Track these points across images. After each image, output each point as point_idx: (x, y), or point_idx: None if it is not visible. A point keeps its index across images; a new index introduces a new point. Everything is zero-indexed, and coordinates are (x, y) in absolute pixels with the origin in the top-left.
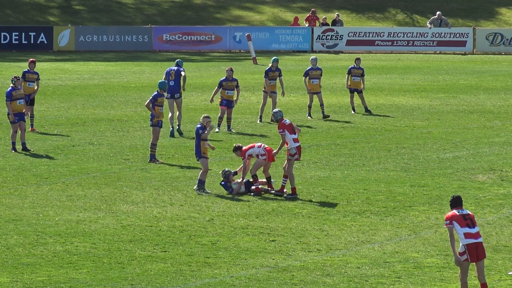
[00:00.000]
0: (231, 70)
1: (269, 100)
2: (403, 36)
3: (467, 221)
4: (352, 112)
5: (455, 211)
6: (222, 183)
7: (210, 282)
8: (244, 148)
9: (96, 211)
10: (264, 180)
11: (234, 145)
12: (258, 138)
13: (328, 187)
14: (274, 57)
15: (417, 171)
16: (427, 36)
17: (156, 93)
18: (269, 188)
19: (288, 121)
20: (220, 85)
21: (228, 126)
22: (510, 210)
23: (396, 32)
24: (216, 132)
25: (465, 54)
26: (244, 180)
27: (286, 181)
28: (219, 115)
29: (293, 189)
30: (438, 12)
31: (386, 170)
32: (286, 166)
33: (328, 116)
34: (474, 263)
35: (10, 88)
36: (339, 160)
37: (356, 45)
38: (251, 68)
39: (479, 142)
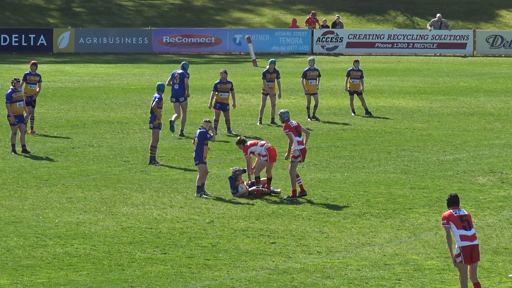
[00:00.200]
0: (225, 72)
1: (268, 102)
2: (403, 38)
3: (464, 223)
4: (352, 114)
5: (452, 211)
6: (230, 178)
7: (210, 284)
8: (247, 143)
9: (96, 213)
10: (265, 179)
11: (239, 137)
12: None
13: (328, 189)
14: (271, 59)
15: (417, 173)
16: (427, 38)
17: (159, 95)
18: (267, 190)
19: (294, 123)
20: (215, 88)
21: (228, 128)
22: (511, 212)
23: (396, 34)
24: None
25: (465, 56)
26: (249, 182)
27: (300, 180)
28: (214, 118)
29: (294, 191)
30: (438, 14)
31: (386, 172)
32: (290, 168)
33: (318, 119)
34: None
35: (10, 90)
36: (339, 162)
37: (356, 47)
38: (251, 70)
39: (479, 144)
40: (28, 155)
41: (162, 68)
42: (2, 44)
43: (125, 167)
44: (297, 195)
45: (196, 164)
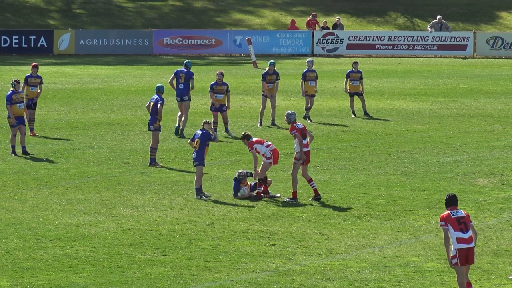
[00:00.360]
0: (221, 74)
1: (269, 103)
2: (404, 40)
3: (461, 225)
4: (353, 116)
5: (450, 212)
6: (235, 180)
7: (210, 286)
8: (252, 140)
9: (96, 215)
10: (270, 180)
11: (244, 132)
12: None
13: (328, 191)
14: (271, 61)
15: (418, 175)
16: (427, 40)
17: (160, 97)
18: (265, 190)
19: (300, 125)
20: (211, 89)
21: (226, 129)
22: (511, 214)
23: (396, 36)
24: None
25: (465, 58)
26: (251, 184)
27: (314, 184)
28: (212, 120)
29: (294, 193)
30: (438, 16)
31: (387, 174)
32: (292, 169)
33: (310, 120)
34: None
35: (10, 91)
36: (340, 164)
37: (356, 49)
38: (251, 72)
39: (479, 146)
40: (28, 156)
41: (163, 69)
42: (2, 45)
43: (125, 169)
44: (297, 197)
45: (195, 165)
